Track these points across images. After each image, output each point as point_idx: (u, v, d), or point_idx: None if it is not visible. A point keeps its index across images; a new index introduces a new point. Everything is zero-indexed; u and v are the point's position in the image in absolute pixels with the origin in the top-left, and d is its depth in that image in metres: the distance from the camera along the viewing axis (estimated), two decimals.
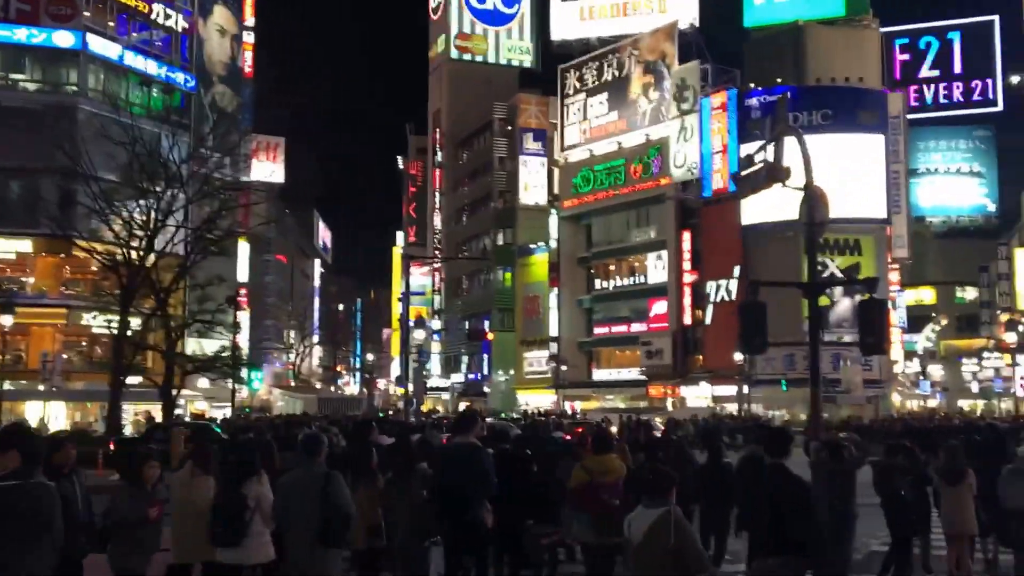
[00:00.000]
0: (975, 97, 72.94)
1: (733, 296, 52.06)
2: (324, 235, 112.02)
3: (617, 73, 64.22)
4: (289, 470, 7.73)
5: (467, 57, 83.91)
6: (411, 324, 52.60)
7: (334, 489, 7.08)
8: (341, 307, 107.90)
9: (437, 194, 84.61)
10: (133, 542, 7.72)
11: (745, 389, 49.14)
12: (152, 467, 7.97)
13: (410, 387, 45.15)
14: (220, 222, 36.78)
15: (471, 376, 77.13)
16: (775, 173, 16.84)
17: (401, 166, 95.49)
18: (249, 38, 65.47)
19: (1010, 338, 60.26)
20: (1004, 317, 63.12)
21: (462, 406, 61.18)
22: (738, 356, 43.32)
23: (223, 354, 40.23)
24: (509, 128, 73.15)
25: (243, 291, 57.80)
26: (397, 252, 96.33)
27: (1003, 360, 61.53)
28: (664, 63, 60.72)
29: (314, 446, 7.40)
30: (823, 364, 36.78)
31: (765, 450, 7.68)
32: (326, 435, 8.76)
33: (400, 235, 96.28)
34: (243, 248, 59.38)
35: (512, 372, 70.92)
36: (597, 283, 65.91)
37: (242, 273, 61.58)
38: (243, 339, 54.59)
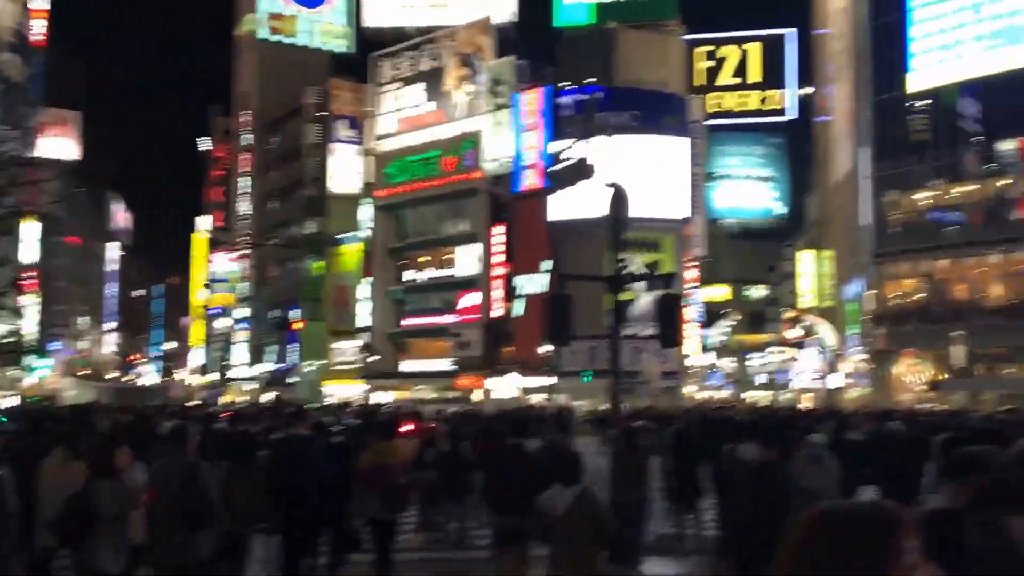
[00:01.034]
0: (770, 106, 77.76)
1: (542, 290, 53.24)
2: (123, 217, 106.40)
3: (433, 64, 64.26)
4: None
5: (278, 38, 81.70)
6: (215, 312, 50.82)
7: (200, 476, 7.60)
8: (139, 292, 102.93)
9: (244, 178, 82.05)
10: (112, 538, 7.30)
11: (552, 380, 50.38)
12: (124, 455, 7.77)
13: (213, 376, 43.64)
14: (4, 199, 34.29)
15: (278, 366, 75.39)
16: (583, 170, 17.43)
17: (205, 148, 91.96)
18: (40, 3, 61.21)
19: (792, 333, 64.68)
20: (788, 314, 67.68)
21: (268, 396, 59.77)
22: (546, 348, 44.36)
23: (5, 340, 37.56)
24: (321, 114, 71.82)
25: (30, 273, 54.03)
26: (199, 237, 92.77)
27: (787, 354, 65.92)
28: (480, 57, 61.27)
29: (181, 436, 8.17)
30: (624, 356, 38.09)
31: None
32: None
33: (202, 220, 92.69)
34: (31, 228, 55.53)
35: (322, 362, 69.81)
36: (409, 274, 65.80)
37: (29, 254, 57.57)
38: (30, 324, 51.13)
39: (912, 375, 54.88)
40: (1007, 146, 48.92)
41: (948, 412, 33.40)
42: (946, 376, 51.22)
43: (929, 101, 53.79)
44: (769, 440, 10.79)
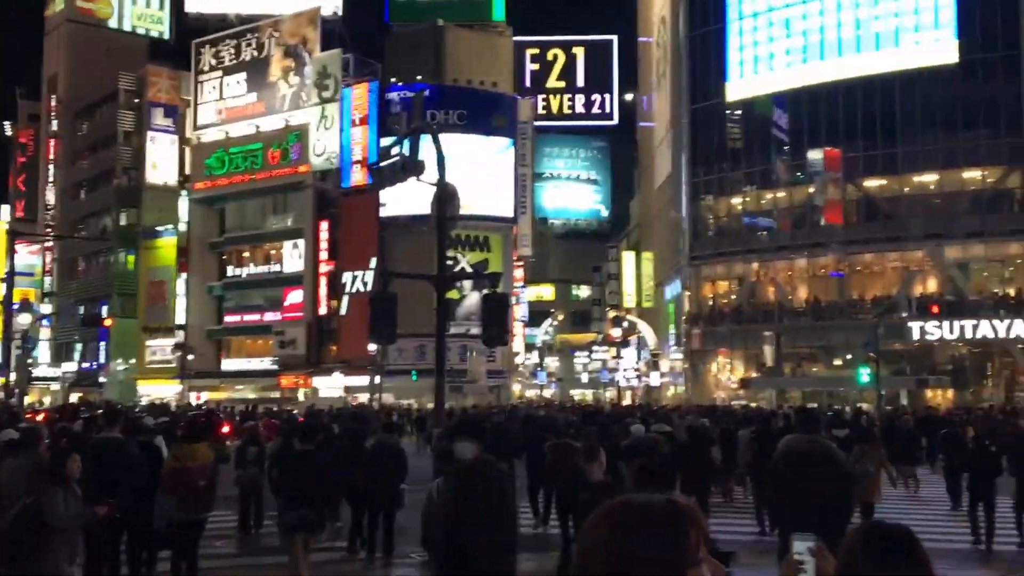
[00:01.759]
0: (595, 110, 79.54)
1: (369, 287, 52.45)
2: None
3: (256, 54, 62.28)
4: None
5: (90, 20, 77.18)
6: (15, 307, 47.35)
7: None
8: None
9: (51, 166, 77.07)
10: (69, 547, 7.13)
11: (377, 379, 49.65)
12: (75, 462, 7.47)
13: (12, 376, 40.58)
14: None
15: (86, 365, 71.19)
16: (410, 167, 17.02)
17: (8, 133, 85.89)
18: None
19: (616, 333, 66.40)
20: (611, 313, 69.45)
21: (74, 397, 56.41)
22: (372, 346, 43.63)
23: None
24: (137, 101, 68.33)
25: None
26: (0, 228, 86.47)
27: (609, 353, 67.60)
28: (305, 48, 59.82)
29: (31, 439, 8.47)
30: (451, 355, 37.79)
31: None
32: None
33: (5, 209, 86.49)
34: None
35: (133, 361, 66.39)
36: (230, 270, 63.54)
37: None
38: None
39: (725, 373, 57.35)
40: (815, 155, 51.62)
41: (755, 409, 35.14)
42: (756, 374, 53.72)
43: (743, 111, 56.31)
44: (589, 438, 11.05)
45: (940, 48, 50.09)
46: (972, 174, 50.60)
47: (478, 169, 52.76)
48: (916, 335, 48.17)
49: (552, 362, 71.94)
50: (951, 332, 48.04)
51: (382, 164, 18.46)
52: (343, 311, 55.62)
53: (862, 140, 51.39)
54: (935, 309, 48.26)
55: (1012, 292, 48.55)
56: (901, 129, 50.79)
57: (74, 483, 7.37)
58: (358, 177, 54.61)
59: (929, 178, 51.52)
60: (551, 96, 78.92)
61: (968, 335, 48.02)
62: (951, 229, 48.75)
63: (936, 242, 48.99)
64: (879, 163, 51.59)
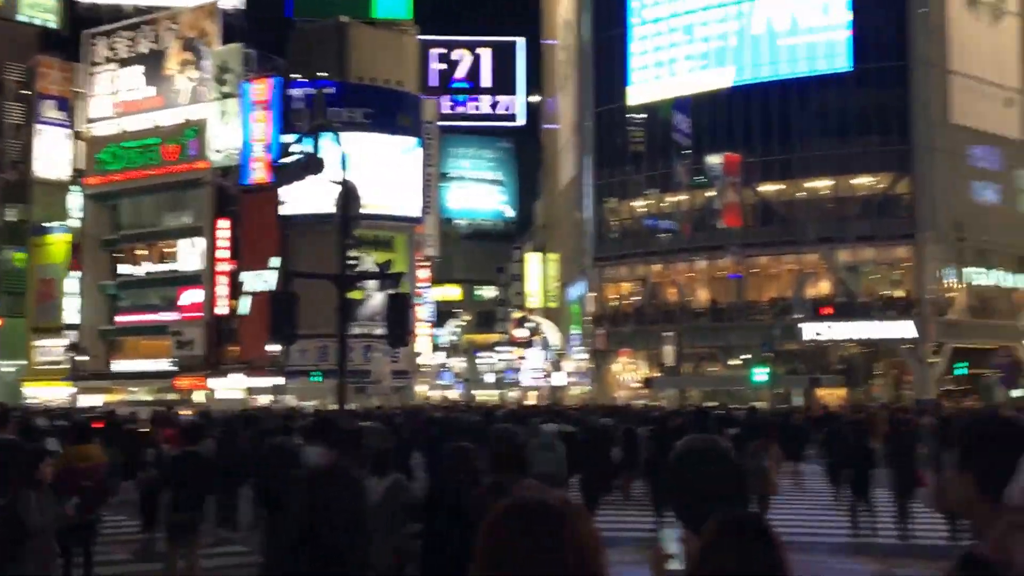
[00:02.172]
0: (500, 111, 79.72)
1: (271, 287, 51.46)
2: None
3: (153, 46, 60.58)
4: None
5: None
6: None
7: None
8: None
9: None
10: (49, 551, 6.89)
11: (279, 380, 48.83)
12: (48, 465, 7.22)
13: None
14: None
15: None
16: (312, 166, 16.75)
17: None
18: None
19: (520, 333, 66.68)
20: (516, 314, 69.72)
21: None
22: (273, 347, 42.89)
23: None
24: (25, 92, 65.66)
25: None
26: None
27: (514, 353, 67.85)
28: (204, 42, 58.44)
29: None
30: (354, 355, 37.38)
31: None
32: None
33: None
34: None
35: (21, 362, 63.80)
36: (124, 268, 61.57)
37: None
38: None
39: (628, 373, 58.14)
40: (714, 160, 52.74)
41: (653, 408, 35.80)
42: (658, 374, 54.61)
43: (646, 115, 57.18)
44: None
45: (834, 56, 51.77)
46: (863, 180, 52.47)
47: (383, 168, 52.34)
48: (809, 335, 49.62)
49: (457, 363, 71.83)
50: (842, 333, 49.69)
51: (284, 161, 18.16)
52: (243, 311, 54.46)
53: (759, 145, 52.71)
54: (827, 310, 49.76)
55: (899, 294, 50.50)
56: (796, 135, 52.33)
57: (46, 486, 7.18)
58: (259, 174, 53.56)
59: (822, 183, 53.17)
60: (456, 96, 78.83)
61: (858, 335, 49.74)
62: (843, 233, 50.41)
63: (829, 246, 50.56)
64: (775, 168, 53.02)
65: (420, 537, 5.68)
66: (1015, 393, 48.37)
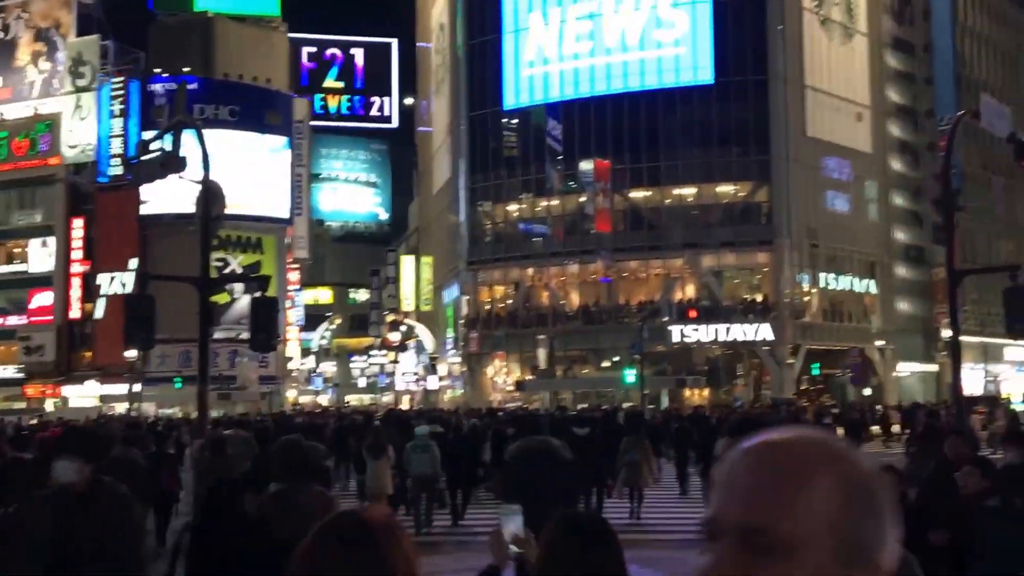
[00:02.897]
0: (374, 112, 78.81)
1: (129, 289, 49.47)
2: None
3: (2, 35, 57.56)
4: None
5: None
6: None
7: None
8: None
9: None
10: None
11: (137, 387, 46.96)
12: None
13: None
14: None
15: None
16: (171, 164, 16.18)
17: None
18: None
19: (394, 337, 66.07)
20: (390, 318, 69.06)
21: None
22: (130, 353, 41.18)
23: None
24: None
25: None
26: None
27: (388, 358, 67.19)
28: (59, 33, 55.86)
29: None
30: (220, 361, 36.24)
31: None
32: None
33: None
34: None
35: None
36: None
37: None
38: None
39: (501, 376, 58.37)
40: (586, 166, 53.55)
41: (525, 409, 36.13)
42: (531, 377, 55.02)
43: (519, 120, 57.57)
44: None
45: (699, 69, 53.32)
46: (725, 188, 54.27)
47: (251, 168, 51.06)
48: (676, 338, 50.92)
49: (328, 367, 70.67)
50: (707, 335, 51.18)
51: (142, 159, 17.51)
52: (99, 315, 52.15)
53: (628, 152, 53.74)
54: (692, 313, 51.13)
55: (759, 298, 52.37)
56: (663, 143, 53.65)
57: None
58: (116, 172, 51.42)
59: (688, 191, 54.74)
60: (329, 96, 77.54)
61: (721, 338, 51.35)
62: (707, 239, 51.93)
63: (694, 251, 51.97)
64: (644, 175, 54.21)
65: (191, 534, 5.53)
66: (865, 391, 51.07)
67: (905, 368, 57.73)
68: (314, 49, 77.23)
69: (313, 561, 1.74)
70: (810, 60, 53.62)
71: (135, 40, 58.37)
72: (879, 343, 55.09)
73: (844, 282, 54.58)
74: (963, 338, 22.72)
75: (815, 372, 53.28)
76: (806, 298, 52.87)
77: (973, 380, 50.36)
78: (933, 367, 58.81)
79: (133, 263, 50.32)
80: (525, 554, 2.87)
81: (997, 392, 51.40)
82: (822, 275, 53.17)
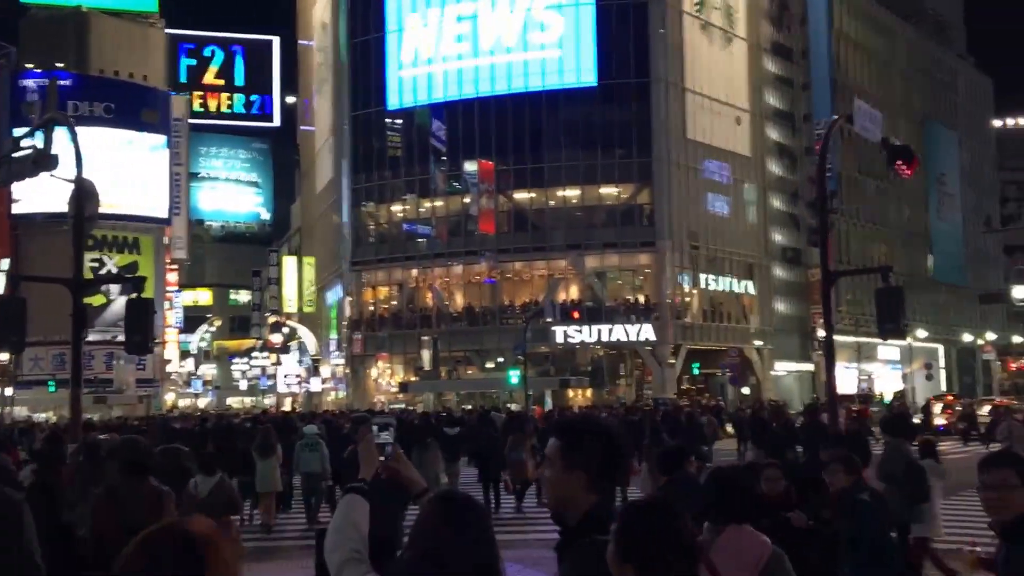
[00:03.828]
0: (255, 111, 77.37)
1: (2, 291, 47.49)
2: None
3: None
4: None
5: None
6: None
7: None
8: None
9: None
10: None
11: (8, 391, 45.14)
12: None
13: None
14: None
15: None
16: (43, 162, 15.80)
17: None
18: None
19: (276, 338, 65.10)
20: (272, 319, 68.02)
21: None
22: (3, 355, 39.62)
23: None
24: None
25: None
26: None
27: (270, 359, 66.17)
28: None
29: None
30: (95, 363, 35.22)
31: None
32: None
33: None
34: None
35: None
36: None
37: None
38: None
39: (385, 377, 58.13)
40: (470, 167, 53.73)
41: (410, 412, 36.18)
42: (415, 378, 54.93)
43: (403, 120, 57.38)
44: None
45: (583, 72, 53.99)
46: (608, 190, 55.09)
47: (127, 166, 49.64)
48: (560, 338, 51.50)
49: (209, 369, 69.15)
50: (590, 336, 51.91)
51: (13, 156, 17.03)
52: None
53: (512, 153, 54.02)
54: (576, 314, 51.85)
55: (641, 299, 53.42)
56: (547, 145, 54.08)
57: None
58: None
59: (572, 192, 55.39)
60: (208, 94, 75.75)
61: (604, 338, 52.13)
62: (590, 240, 52.79)
63: (577, 252, 52.64)
64: (527, 176, 54.60)
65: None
66: (744, 390, 52.58)
67: (782, 367, 59.32)
68: (193, 46, 75.36)
69: (134, 569, 1.78)
70: (691, 64, 54.61)
71: (6, 34, 56.11)
72: (757, 343, 56.45)
73: (723, 283, 55.76)
74: (837, 338, 23.51)
75: (696, 372, 54.42)
76: (687, 299, 53.92)
77: (847, 379, 51.84)
78: (809, 366, 60.56)
79: (3, 263, 48.40)
80: (398, 467, 3.02)
81: (870, 390, 52.95)
82: (702, 276, 54.26)
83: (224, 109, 76.58)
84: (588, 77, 53.79)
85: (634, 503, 2.50)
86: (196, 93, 73.41)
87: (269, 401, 63.52)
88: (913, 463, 9.53)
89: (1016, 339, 68.83)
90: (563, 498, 2.69)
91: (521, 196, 55.41)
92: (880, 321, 15.57)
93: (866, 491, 6.59)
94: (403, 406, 47.14)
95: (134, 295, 15.95)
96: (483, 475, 17.23)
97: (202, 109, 74.05)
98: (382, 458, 3.06)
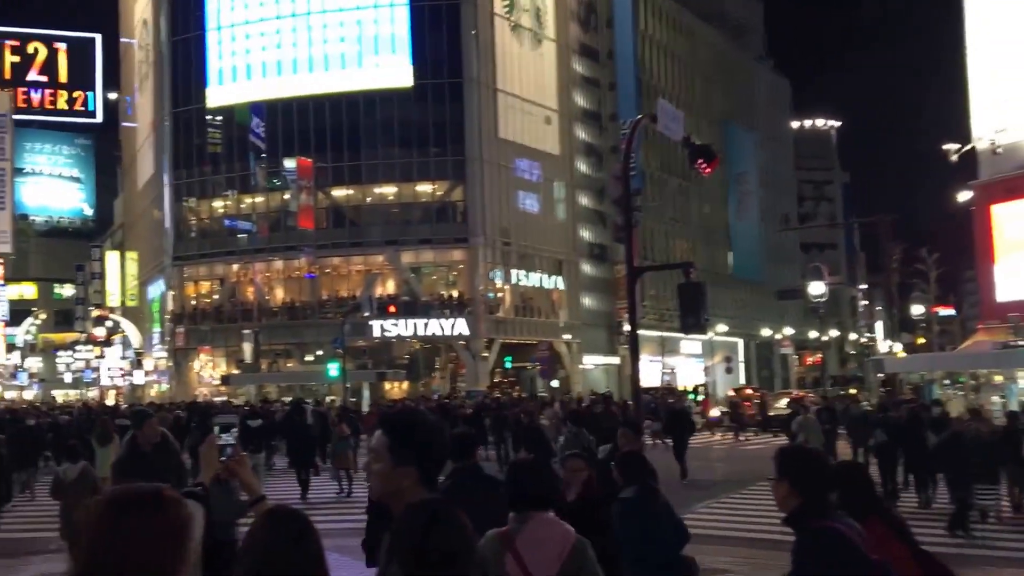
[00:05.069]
0: (77, 107, 76.31)
1: None
2: None
3: None
4: None
5: None
6: None
7: None
8: None
9: None
10: None
11: None
12: None
13: None
14: None
15: None
16: None
17: None
18: None
19: (100, 332, 64.82)
20: (95, 312, 67.57)
21: None
22: None
23: None
24: None
25: None
26: None
27: (94, 352, 65.84)
28: None
29: None
30: None
31: None
32: None
33: None
34: None
35: None
36: None
37: None
38: None
39: (207, 370, 58.59)
40: (289, 164, 54.44)
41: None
42: (236, 371, 55.54)
43: (224, 117, 57.73)
44: None
45: (397, 72, 55.02)
46: (424, 187, 56.28)
47: None
48: (377, 332, 52.42)
49: (34, 362, 68.46)
50: (406, 329, 52.97)
51: None
52: None
53: (331, 151, 54.79)
54: (392, 309, 53.01)
55: (455, 294, 54.84)
56: (364, 143, 55.04)
57: None
58: None
59: (388, 189, 56.48)
60: (32, 89, 74.42)
61: (420, 332, 53.23)
62: (406, 236, 54.04)
63: (394, 248, 53.75)
64: (345, 173, 55.55)
65: None
66: (553, 383, 54.34)
67: (590, 361, 60.77)
68: (16, 42, 73.98)
69: (97, 529, 1.88)
70: (502, 65, 55.77)
71: None
72: (566, 337, 57.91)
73: (534, 279, 57.07)
74: (642, 332, 24.55)
75: (508, 365, 55.93)
76: (499, 294, 55.11)
77: (652, 372, 53.84)
78: (616, 359, 62.28)
79: None
80: (238, 469, 3.09)
81: (672, 383, 54.80)
82: (514, 272, 55.53)
83: (47, 105, 75.34)
84: (403, 77, 54.82)
85: (409, 504, 2.53)
86: (20, 89, 72.11)
87: (93, 394, 63.24)
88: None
89: (812, 334, 70.85)
90: (391, 492, 2.70)
91: (339, 193, 56.30)
92: (682, 316, 16.04)
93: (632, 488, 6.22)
94: (223, 398, 47.75)
95: None
96: (294, 461, 20.09)
97: (25, 105, 72.78)
98: (223, 459, 3.09)
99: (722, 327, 61.99)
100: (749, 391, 44.80)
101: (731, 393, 44.80)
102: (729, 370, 60.08)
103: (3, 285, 60.59)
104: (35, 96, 74.29)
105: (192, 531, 1.95)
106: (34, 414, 30.60)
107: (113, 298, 67.62)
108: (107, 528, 1.86)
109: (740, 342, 71.20)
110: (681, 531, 6.27)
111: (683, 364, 63.40)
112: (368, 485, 3.33)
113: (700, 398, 46.85)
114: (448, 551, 2.35)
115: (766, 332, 70.81)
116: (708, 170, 16.65)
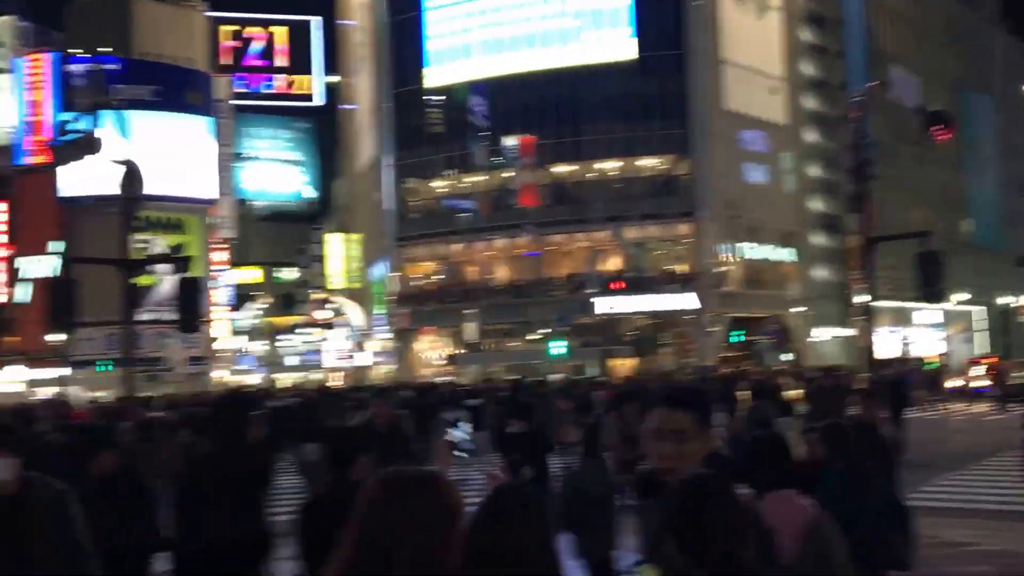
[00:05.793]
0: (297, 91, 78.16)
1: (53, 273, 48.82)
2: None
3: None
4: None
5: None
6: None
7: None
8: None
9: None
10: None
11: (65, 371, 46.61)
12: None
13: None
14: None
15: None
16: (89, 145, 16.53)
17: None
18: None
19: (321, 315, 66.13)
20: (318, 296, 69.08)
21: None
22: (55, 336, 40.87)
23: None
24: None
25: None
26: None
27: (317, 335, 67.27)
28: None
29: None
30: (147, 342, 36.47)
31: None
32: None
33: None
34: None
35: None
36: None
37: None
38: None
39: (432, 351, 58.99)
40: (510, 142, 54.19)
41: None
42: (460, 351, 55.72)
43: (443, 97, 57.85)
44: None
45: (619, 45, 54.21)
46: (647, 162, 55.37)
47: (173, 148, 50.67)
48: (602, 309, 51.97)
49: (258, 346, 70.40)
50: (631, 306, 52.37)
51: (61, 140, 17.80)
52: (22, 299, 51.42)
53: (551, 128, 54.45)
54: (617, 285, 52.24)
55: (682, 268, 53.75)
56: (586, 119, 54.46)
57: None
58: (36, 154, 50.61)
59: (610, 165, 55.71)
60: (251, 74, 76.59)
61: (646, 308, 52.57)
62: (629, 212, 53.03)
63: (617, 224, 52.99)
64: (567, 150, 55.04)
65: None
66: (784, 357, 52.73)
67: (821, 333, 59.33)
68: (235, 28, 76.21)
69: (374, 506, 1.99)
70: (726, 35, 54.58)
71: (52, 20, 57.33)
72: (797, 310, 56.58)
73: (763, 251, 55.98)
74: (877, 303, 23.70)
75: (738, 338, 54.65)
76: (726, 268, 54.08)
77: (888, 343, 52.15)
78: (849, 331, 60.69)
79: (54, 246, 49.73)
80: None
81: (906, 354, 53.38)
82: (741, 245, 54.43)
83: (266, 89, 77.41)
84: (626, 50, 54.00)
85: (682, 481, 2.49)
86: (239, 75, 74.26)
87: (317, 376, 64.58)
88: None
89: None
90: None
91: (560, 169, 55.89)
92: (923, 285, 15.75)
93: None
94: (448, 379, 47.82)
95: (186, 275, 16.71)
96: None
97: (245, 90, 74.93)
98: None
99: (962, 295, 58.91)
100: (988, 361, 43.10)
101: (991, 360, 42.21)
102: (969, 340, 56.86)
103: (227, 270, 62.19)
104: (254, 81, 76.48)
105: (462, 516, 2.00)
106: (287, 395, 30.75)
107: (336, 280, 68.86)
108: (383, 507, 1.94)
109: (978, 311, 68.70)
110: (895, 513, 5.51)
111: (921, 334, 61.26)
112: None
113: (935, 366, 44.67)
114: (724, 525, 2.31)
115: (1005, 300, 67.85)
116: (945, 136, 15.89)
